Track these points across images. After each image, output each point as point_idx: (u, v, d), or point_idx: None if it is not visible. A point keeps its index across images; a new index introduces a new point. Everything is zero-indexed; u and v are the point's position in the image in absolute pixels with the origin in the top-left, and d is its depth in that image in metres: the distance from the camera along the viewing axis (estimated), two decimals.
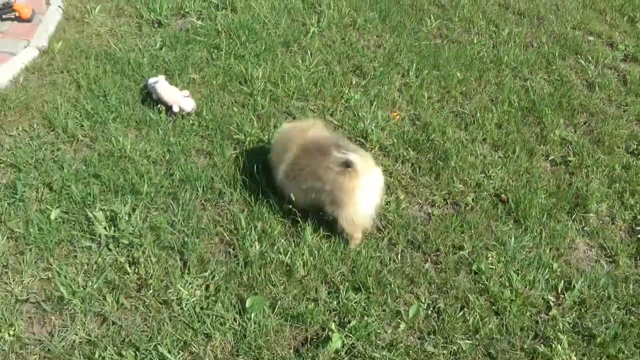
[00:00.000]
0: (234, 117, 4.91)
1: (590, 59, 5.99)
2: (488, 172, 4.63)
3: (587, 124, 5.22)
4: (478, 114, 5.13)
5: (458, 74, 5.57)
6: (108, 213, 4.09)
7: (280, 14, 6.20)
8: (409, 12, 6.47)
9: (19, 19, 5.91)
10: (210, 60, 5.55)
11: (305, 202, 4.04)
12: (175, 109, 4.84)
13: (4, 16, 5.89)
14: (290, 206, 4.06)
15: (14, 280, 3.77)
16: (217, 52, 5.61)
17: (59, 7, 6.17)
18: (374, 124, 4.90)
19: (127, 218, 4.07)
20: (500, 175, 4.62)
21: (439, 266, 3.97)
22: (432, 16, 6.39)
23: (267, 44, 5.72)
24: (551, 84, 5.63)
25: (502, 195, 4.46)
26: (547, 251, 4.12)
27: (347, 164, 3.74)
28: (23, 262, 3.86)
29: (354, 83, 5.40)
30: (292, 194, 4.03)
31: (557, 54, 5.99)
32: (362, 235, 4.03)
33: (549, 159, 4.86)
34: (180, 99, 4.89)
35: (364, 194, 3.84)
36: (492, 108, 5.22)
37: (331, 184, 3.82)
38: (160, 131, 4.77)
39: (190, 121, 4.87)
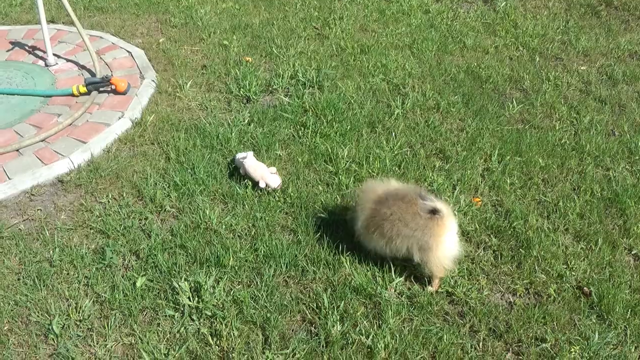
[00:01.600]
0: (318, 196, 5.00)
1: None
2: (570, 263, 4.55)
3: None
4: (560, 203, 5.08)
5: (540, 161, 5.55)
6: (192, 284, 4.21)
7: (366, 95, 6.37)
8: (492, 96, 6.55)
9: (115, 92, 6.25)
10: (296, 137, 5.71)
11: (389, 251, 4.25)
12: (262, 184, 4.95)
13: (101, 89, 6.24)
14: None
15: (97, 344, 3.90)
16: (304, 130, 5.77)
17: (153, 81, 6.50)
18: (456, 209, 4.91)
19: (211, 290, 4.17)
20: (583, 267, 4.53)
21: (521, 357, 3.90)
22: (514, 101, 6.44)
23: (352, 124, 5.86)
24: (634, 174, 5.53)
25: (585, 288, 4.38)
26: (633, 350, 3.98)
27: (434, 211, 4.01)
28: (107, 326, 3.99)
29: (437, 166, 5.44)
30: (372, 245, 4.30)
31: (639, 143, 5.91)
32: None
33: (632, 252, 4.73)
34: (267, 175, 4.99)
35: (451, 238, 4.14)
36: (574, 197, 5.17)
37: (421, 229, 4.06)
38: (246, 206, 4.89)
39: (276, 197, 4.98)
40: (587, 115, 6.32)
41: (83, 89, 6.16)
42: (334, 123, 5.87)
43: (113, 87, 6.23)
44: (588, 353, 3.92)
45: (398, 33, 7.84)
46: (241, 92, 6.33)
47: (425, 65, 7.07)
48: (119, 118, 5.89)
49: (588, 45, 7.84)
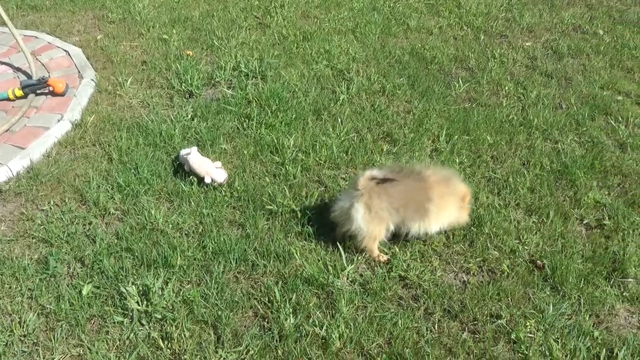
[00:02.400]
0: (265, 188, 4.95)
1: (620, 119, 5.98)
2: (522, 237, 4.59)
3: (621, 185, 5.17)
4: (510, 179, 5.12)
5: (488, 138, 5.59)
6: (140, 287, 4.12)
7: (310, 82, 6.33)
8: (437, 76, 6.57)
9: (53, 93, 6.08)
10: (241, 130, 5.64)
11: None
12: (208, 180, 4.88)
13: (38, 91, 6.06)
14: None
15: (44, 358, 3.77)
16: (248, 122, 5.71)
17: (92, 80, 6.35)
18: None
19: (160, 292, 4.08)
20: (535, 240, 4.57)
21: (477, 336, 3.91)
22: (460, 80, 6.48)
23: (297, 113, 5.82)
24: (582, 145, 5.61)
25: (538, 261, 4.41)
26: (587, 318, 4.03)
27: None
28: (54, 338, 3.86)
29: (384, 150, 5.43)
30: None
31: (586, 115, 5.99)
32: None
33: (584, 222, 4.80)
34: (212, 170, 4.93)
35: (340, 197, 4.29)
36: (524, 172, 5.22)
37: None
38: (192, 203, 4.82)
39: (223, 192, 4.92)
40: (534, 90, 6.39)
41: (19, 93, 5.98)
42: (278, 113, 5.82)
43: (51, 88, 6.05)
44: (543, 325, 3.95)
45: (340, 18, 7.82)
46: (183, 87, 6.23)
47: (369, 49, 7.07)
48: (58, 121, 5.73)
49: (532, 21, 7.93)
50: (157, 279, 4.17)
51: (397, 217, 4.24)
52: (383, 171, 4.18)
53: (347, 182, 5.02)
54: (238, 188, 4.94)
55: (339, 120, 5.77)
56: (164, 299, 4.04)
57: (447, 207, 4.32)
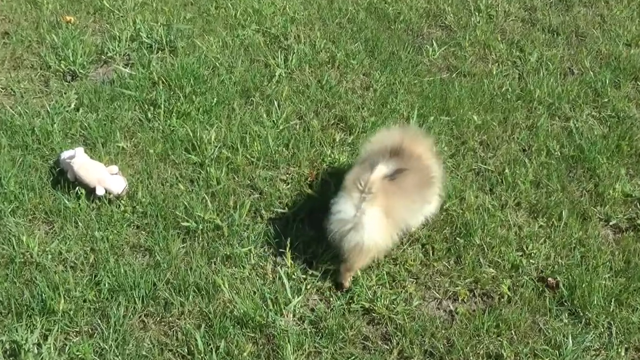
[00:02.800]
0: (180, 198, 4.92)
1: None
2: (527, 248, 4.64)
3: None
4: (507, 170, 5.18)
5: (475, 118, 5.65)
6: (8, 345, 4.04)
7: (236, 54, 6.32)
8: (404, 38, 6.62)
9: None
10: (144, 121, 5.60)
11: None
12: (100, 191, 4.83)
13: None
14: None
15: None
16: (154, 111, 5.68)
17: None
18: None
19: (35, 350, 4.00)
20: (544, 251, 4.62)
21: None
22: (434, 42, 6.55)
23: (219, 95, 5.80)
24: (603, 122, 5.72)
25: (550, 278, 4.46)
26: (622, 353, 4.08)
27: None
28: None
29: (337, 140, 5.46)
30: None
31: (607, 81, 6.10)
32: None
33: (610, 223, 4.88)
34: (106, 177, 4.89)
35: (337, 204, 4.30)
36: (525, 161, 5.29)
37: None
38: (80, 224, 4.75)
39: (122, 207, 4.87)
40: (533, 52, 6.48)
41: None
42: (194, 96, 5.79)
43: None
44: None
45: None
46: (62, 66, 6.14)
47: (313, 6, 7.07)
48: None
49: None
50: (31, 331, 4.09)
51: (415, 212, 4.46)
52: (387, 161, 4.21)
53: (289, 186, 5.03)
54: (142, 200, 4.90)
55: (276, 103, 5.77)
56: (41, 358, 3.96)
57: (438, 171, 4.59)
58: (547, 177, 5.15)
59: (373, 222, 4.12)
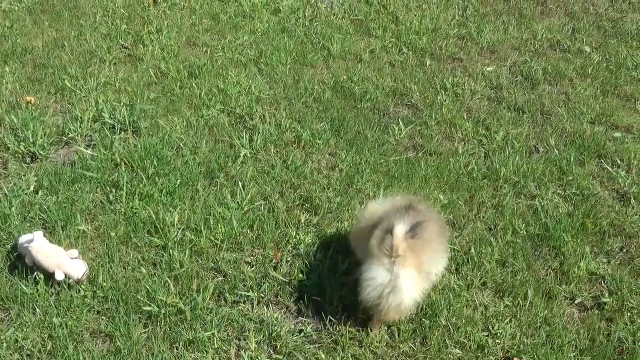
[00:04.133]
0: (142, 282, 4.96)
1: (620, 162, 6.31)
2: (493, 328, 4.73)
3: (625, 250, 5.41)
4: (472, 250, 5.28)
5: (442, 198, 5.78)
6: None
7: (200, 134, 6.47)
8: (370, 118, 6.81)
9: None
10: (106, 204, 5.68)
11: None
12: (60, 276, 4.84)
13: None
14: None
15: None
16: (116, 193, 5.76)
17: None
18: (333, 278, 5.02)
19: None
20: (510, 331, 4.70)
21: None
22: (400, 121, 6.73)
23: (183, 177, 5.90)
24: (568, 200, 5.86)
25: (516, 358, 4.54)
26: None
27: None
28: None
29: (303, 221, 5.55)
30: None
31: (572, 159, 6.27)
32: None
33: (576, 302, 4.98)
34: (65, 261, 4.90)
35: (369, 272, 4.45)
36: (491, 240, 5.40)
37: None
38: (38, 310, 4.77)
39: (82, 292, 4.90)
40: (500, 130, 6.69)
41: None
42: (157, 178, 5.90)
43: None
44: None
45: (239, 45, 8.05)
46: (22, 148, 6.24)
47: (279, 86, 7.28)
48: None
49: (495, 38, 8.33)
50: None
51: (440, 260, 4.75)
52: (405, 218, 4.43)
53: (254, 268, 5.12)
54: (104, 285, 4.95)
55: (240, 184, 5.88)
56: None
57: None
58: (513, 256, 5.27)
59: (409, 282, 4.38)
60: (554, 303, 4.93)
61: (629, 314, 4.86)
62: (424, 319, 4.74)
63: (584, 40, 8.35)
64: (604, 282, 5.12)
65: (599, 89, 7.37)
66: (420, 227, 4.36)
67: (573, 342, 4.65)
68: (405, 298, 4.37)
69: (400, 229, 4.28)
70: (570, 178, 6.09)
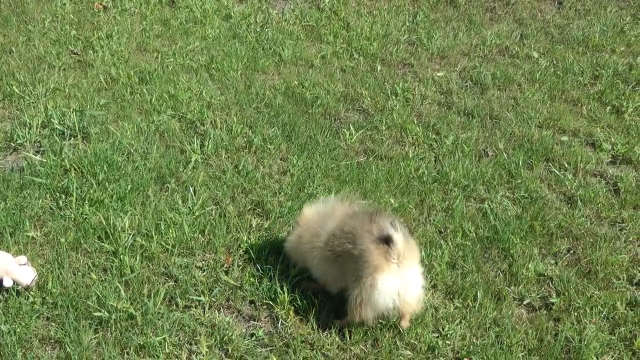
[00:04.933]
0: (92, 288, 4.95)
1: (567, 165, 6.40)
2: (443, 329, 4.78)
3: (572, 251, 5.49)
4: (423, 252, 5.29)
5: (392, 201, 5.84)
6: None
7: (151, 140, 6.47)
8: (321, 122, 6.86)
9: None
10: (55, 209, 5.66)
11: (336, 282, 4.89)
12: (8, 282, 4.81)
13: None
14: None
15: None
16: (66, 199, 5.74)
17: None
18: (284, 282, 5.04)
19: None
20: (460, 332, 4.76)
21: None
22: (351, 126, 6.78)
23: (134, 182, 5.90)
24: (517, 203, 5.94)
25: (465, 359, 4.59)
26: None
27: (387, 240, 4.47)
28: None
29: (254, 226, 5.58)
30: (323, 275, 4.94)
31: (520, 162, 6.36)
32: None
33: (524, 303, 5.05)
34: (13, 268, 4.86)
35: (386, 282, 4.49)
36: (442, 242, 5.47)
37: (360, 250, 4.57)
38: None
39: (30, 298, 4.88)
40: (449, 134, 6.76)
41: None
42: (107, 184, 5.89)
43: None
44: None
45: (190, 50, 8.06)
46: None
47: (230, 91, 7.30)
48: None
49: (444, 43, 8.41)
50: None
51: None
52: (393, 224, 4.54)
53: (205, 273, 5.13)
54: (53, 291, 4.93)
55: (191, 189, 5.90)
56: None
57: None
58: (463, 258, 5.34)
59: (417, 275, 4.68)
60: (502, 304, 5.00)
61: (575, 314, 4.93)
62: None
63: (532, 46, 8.45)
64: (552, 283, 5.20)
65: (547, 94, 7.47)
66: (399, 225, 4.52)
67: (521, 342, 4.72)
68: (420, 287, 4.68)
69: (399, 236, 4.45)
70: (519, 181, 6.17)
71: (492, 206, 5.87)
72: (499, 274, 5.27)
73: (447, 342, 4.71)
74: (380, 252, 4.44)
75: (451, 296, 5.06)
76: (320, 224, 4.90)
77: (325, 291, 4.92)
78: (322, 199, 5.27)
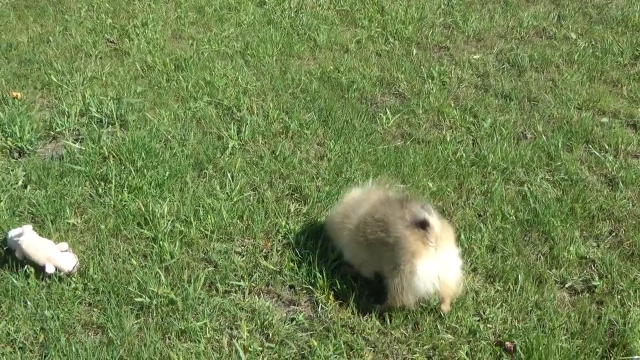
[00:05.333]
0: (133, 274, 4.98)
1: (608, 147, 6.34)
2: (484, 313, 4.76)
3: (614, 233, 5.44)
4: (462, 236, 5.31)
5: (430, 185, 5.82)
6: None
7: (188, 126, 6.49)
8: (358, 107, 6.85)
9: None
10: (95, 197, 5.70)
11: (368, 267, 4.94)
12: (50, 269, 4.86)
13: None
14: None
15: None
16: (105, 186, 5.78)
17: None
18: (323, 266, 5.04)
19: None
20: (501, 315, 4.74)
21: None
22: (388, 110, 6.76)
23: (172, 169, 5.93)
24: (557, 185, 5.90)
25: (507, 342, 4.56)
26: None
27: (423, 224, 4.48)
28: None
29: (292, 211, 5.59)
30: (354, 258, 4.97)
31: (560, 144, 6.32)
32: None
33: (566, 286, 5.01)
34: (55, 254, 4.92)
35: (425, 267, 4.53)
36: (480, 226, 5.44)
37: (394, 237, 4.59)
38: (29, 303, 4.79)
39: (72, 284, 4.92)
40: (487, 117, 6.72)
41: None
42: (146, 171, 5.92)
43: None
44: None
45: (225, 37, 8.08)
46: (9, 143, 6.26)
47: (266, 77, 7.32)
48: None
49: (480, 26, 8.36)
50: None
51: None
52: (427, 208, 4.58)
53: (244, 258, 5.14)
54: (94, 277, 4.97)
55: (229, 175, 5.92)
56: None
57: None
58: (503, 241, 5.30)
59: (455, 257, 4.72)
60: (544, 287, 4.96)
61: (618, 297, 4.88)
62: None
63: (570, 27, 8.38)
64: (594, 266, 5.15)
65: (585, 75, 7.40)
66: (431, 208, 4.56)
67: (564, 325, 4.67)
68: (459, 268, 4.71)
69: (434, 219, 4.48)
70: (558, 163, 6.12)
71: (531, 189, 5.83)
72: (540, 257, 5.23)
73: (488, 325, 4.68)
74: (416, 237, 4.45)
75: (492, 279, 5.03)
76: (353, 207, 4.93)
77: (362, 276, 4.92)
78: (366, 183, 5.30)
